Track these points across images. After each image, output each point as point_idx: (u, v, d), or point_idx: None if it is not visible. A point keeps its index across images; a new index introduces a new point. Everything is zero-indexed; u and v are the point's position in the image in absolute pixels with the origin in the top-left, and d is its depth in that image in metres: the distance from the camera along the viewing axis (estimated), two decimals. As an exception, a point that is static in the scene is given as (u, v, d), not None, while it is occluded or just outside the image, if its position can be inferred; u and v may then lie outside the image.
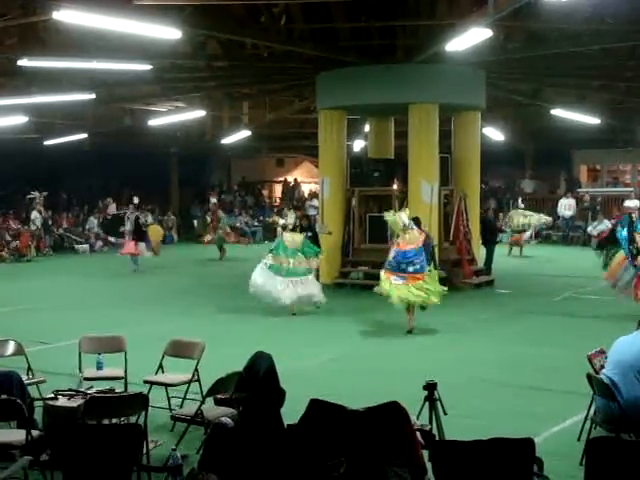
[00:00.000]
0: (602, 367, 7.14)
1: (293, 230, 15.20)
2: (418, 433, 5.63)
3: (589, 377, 7.01)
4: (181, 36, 12.65)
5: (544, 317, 14.02)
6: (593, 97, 24.48)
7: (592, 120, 24.39)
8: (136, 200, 22.30)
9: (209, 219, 25.42)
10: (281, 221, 16.03)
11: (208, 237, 24.88)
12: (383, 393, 6.57)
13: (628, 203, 21.77)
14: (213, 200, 26.71)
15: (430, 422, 6.21)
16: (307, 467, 5.10)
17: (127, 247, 21.25)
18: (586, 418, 7.15)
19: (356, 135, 26.16)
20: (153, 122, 23.86)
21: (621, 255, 13.98)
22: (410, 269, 12.70)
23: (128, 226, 21.28)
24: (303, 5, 15.07)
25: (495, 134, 27.13)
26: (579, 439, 7.02)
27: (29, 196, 27.34)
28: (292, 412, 5.93)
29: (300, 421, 5.60)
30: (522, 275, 19.91)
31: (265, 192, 40.16)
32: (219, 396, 7.13)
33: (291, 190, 38.06)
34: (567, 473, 6.12)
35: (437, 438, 6.01)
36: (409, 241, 12.96)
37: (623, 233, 13.90)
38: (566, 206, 30.38)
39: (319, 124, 18.82)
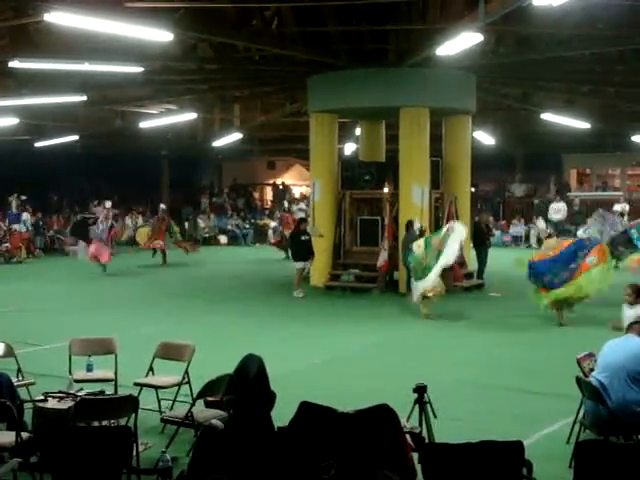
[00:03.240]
0: (591, 370, 7.18)
1: None
2: (408, 436, 5.65)
3: (578, 380, 7.05)
4: (173, 38, 12.64)
5: (534, 320, 14.05)
6: (583, 101, 24.55)
7: (581, 124, 24.47)
8: (108, 204, 22.05)
9: (157, 225, 23.94)
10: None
11: (157, 242, 23.33)
12: (373, 396, 6.59)
13: (617, 207, 21.97)
14: (162, 206, 26.06)
15: (420, 425, 6.22)
16: (297, 470, 5.11)
17: (97, 252, 20.71)
18: (575, 421, 7.18)
19: (347, 138, 26.19)
20: (144, 124, 23.83)
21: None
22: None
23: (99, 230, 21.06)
24: (295, 8, 15.09)
25: (485, 138, 27.20)
26: (568, 442, 7.05)
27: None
28: (282, 414, 5.94)
29: (290, 424, 5.61)
30: (513, 278, 19.90)
31: (256, 194, 40.18)
32: (209, 398, 7.12)
33: (282, 193, 38.08)
34: (556, 476, 6.15)
35: (427, 441, 6.03)
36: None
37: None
38: (555, 210, 30.45)
39: (310, 127, 18.84)
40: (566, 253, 13.51)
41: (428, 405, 6.34)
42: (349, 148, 28.18)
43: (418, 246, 14.47)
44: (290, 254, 17.63)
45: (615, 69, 19.13)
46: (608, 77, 20.44)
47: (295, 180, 40.01)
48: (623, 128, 28.40)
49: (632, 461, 4.93)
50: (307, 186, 28.54)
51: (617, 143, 32.45)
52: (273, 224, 29.30)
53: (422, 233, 15.52)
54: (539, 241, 29.03)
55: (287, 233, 24.11)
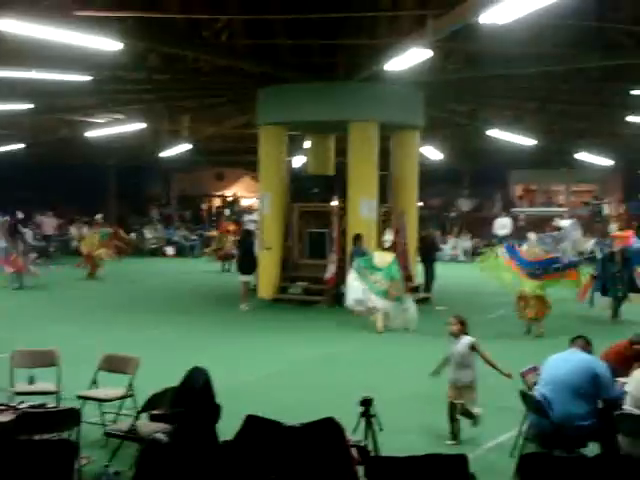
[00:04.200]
0: (535, 384, 7.26)
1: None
2: (353, 449, 5.66)
3: (522, 394, 7.14)
4: (122, 48, 12.54)
5: (479, 334, 14.12)
6: (529, 118, 24.97)
7: (528, 141, 24.86)
8: (20, 215, 21.58)
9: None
10: None
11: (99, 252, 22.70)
12: (320, 409, 6.58)
13: (562, 223, 22.35)
14: (98, 216, 25.47)
15: (366, 438, 6.23)
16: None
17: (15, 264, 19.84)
18: (519, 434, 7.26)
19: (296, 151, 26.22)
20: (91, 133, 23.58)
21: None
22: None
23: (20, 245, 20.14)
24: (245, 21, 15.10)
25: (433, 153, 27.46)
26: (512, 455, 7.12)
27: None
28: (228, 428, 5.90)
29: (235, 437, 5.57)
30: (459, 292, 20.14)
31: (204, 206, 39.97)
32: (154, 412, 7.04)
33: (230, 205, 37.94)
34: (499, 488, 6.21)
35: (372, 454, 6.04)
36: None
37: None
38: (501, 225, 30.84)
39: (259, 139, 18.83)
40: (544, 262, 14.26)
41: (374, 418, 6.36)
42: (298, 161, 28.22)
43: (383, 260, 14.80)
44: (237, 267, 17.47)
45: (560, 87, 19.49)
46: (554, 95, 20.83)
47: (244, 192, 39.92)
48: (568, 145, 28.94)
49: (574, 474, 5.00)
50: (256, 198, 28.46)
51: (562, 160, 33.03)
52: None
53: (390, 247, 15.57)
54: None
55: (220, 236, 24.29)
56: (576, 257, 14.90)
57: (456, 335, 8.14)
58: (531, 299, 14.25)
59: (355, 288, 14.60)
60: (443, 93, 19.70)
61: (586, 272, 15.11)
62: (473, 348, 8.00)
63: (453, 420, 7.80)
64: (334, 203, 18.28)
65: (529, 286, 14.20)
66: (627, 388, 6.45)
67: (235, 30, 15.81)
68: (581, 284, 14.83)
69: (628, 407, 6.31)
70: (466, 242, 31.72)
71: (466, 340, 8.05)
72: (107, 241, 23.09)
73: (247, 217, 30.65)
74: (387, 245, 15.91)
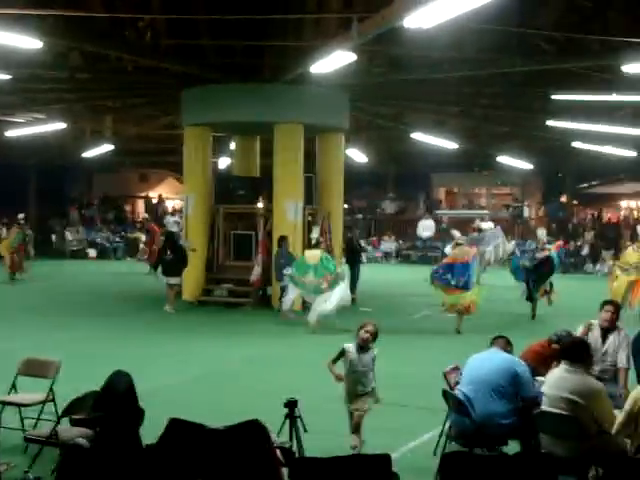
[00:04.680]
0: (457, 383, 7.37)
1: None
2: (278, 451, 5.65)
3: (444, 393, 7.23)
4: (42, 46, 12.29)
5: (403, 335, 14.33)
6: (452, 122, 25.34)
7: (450, 144, 25.23)
8: None
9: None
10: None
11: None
12: (244, 411, 6.56)
13: (483, 225, 22.81)
14: (20, 216, 24.80)
15: (290, 439, 6.23)
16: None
17: None
18: (441, 433, 7.36)
19: (221, 152, 26.09)
20: (10, 133, 23.03)
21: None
22: (453, 282, 14.37)
23: None
24: (169, 21, 14.96)
25: (358, 156, 27.66)
26: (435, 454, 7.21)
27: None
28: (151, 432, 5.83)
29: (159, 441, 5.51)
30: (383, 294, 20.32)
31: (128, 207, 39.44)
32: (75, 416, 6.92)
33: (154, 206, 37.53)
34: (422, 487, 6.28)
35: (297, 455, 6.04)
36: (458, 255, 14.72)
37: None
38: (424, 227, 31.25)
39: (184, 140, 18.68)
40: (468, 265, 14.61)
41: (299, 420, 6.36)
42: (223, 162, 28.09)
43: (312, 257, 14.95)
44: (160, 269, 17.24)
45: (482, 92, 19.83)
46: (476, 99, 21.19)
47: (168, 193, 39.52)
48: (489, 149, 29.46)
49: (495, 472, 5.09)
50: (180, 200, 28.22)
51: (484, 163, 33.66)
52: (144, 238, 28.81)
53: (318, 243, 15.55)
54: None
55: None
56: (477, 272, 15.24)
57: (367, 343, 7.49)
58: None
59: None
60: (368, 96, 19.85)
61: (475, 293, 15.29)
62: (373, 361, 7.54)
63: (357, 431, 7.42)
64: (260, 205, 18.27)
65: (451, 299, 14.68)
66: (542, 389, 6.58)
67: (159, 30, 15.65)
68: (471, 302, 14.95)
69: (544, 407, 6.44)
70: (390, 244, 32.01)
71: (373, 352, 7.54)
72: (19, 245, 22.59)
73: (170, 218, 30.38)
74: (314, 242, 15.94)
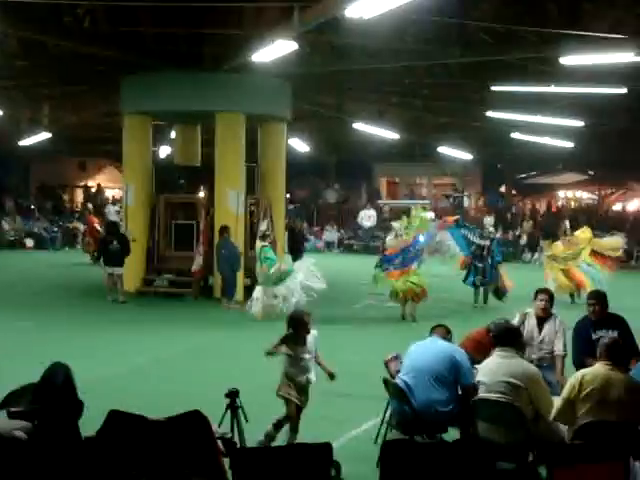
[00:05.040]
0: (398, 372, 7.42)
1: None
2: (219, 441, 5.63)
3: (385, 381, 7.29)
4: (-24, 31, 12.02)
5: (345, 324, 14.40)
6: (393, 112, 25.48)
7: (392, 135, 25.39)
8: None
9: None
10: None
11: None
12: (186, 402, 6.51)
13: (424, 214, 22.92)
14: None
15: (232, 430, 6.21)
16: (106, 480, 4.98)
17: None
18: (382, 421, 7.41)
19: (162, 141, 25.84)
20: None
21: None
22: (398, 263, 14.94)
23: None
24: (108, 7, 14.72)
25: (300, 145, 27.65)
26: (376, 442, 7.26)
27: None
28: (91, 424, 5.75)
29: (98, 433, 5.45)
30: (327, 283, 20.33)
31: (66, 197, 38.80)
32: (12, 409, 6.79)
33: (93, 195, 37.01)
34: (363, 475, 6.32)
35: (238, 446, 6.03)
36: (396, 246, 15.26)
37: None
38: (366, 217, 31.41)
39: (124, 129, 18.45)
40: (406, 250, 15.01)
41: (240, 410, 6.34)
42: (164, 151, 27.83)
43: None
44: (103, 259, 17.00)
45: (423, 82, 19.97)
46: (416, 90, 21.33)
47: (108, 183, 39.02)
48: (430, 139, 29.72)
49: (435, 459, 5.14)
50: (120, 189, 27.88)
51: (424, 153, 33.93)
52: (83, 227, 28.43)
53: (265, 236, 15.47)
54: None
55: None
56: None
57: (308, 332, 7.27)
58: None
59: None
60: (310, 85, 19.84)
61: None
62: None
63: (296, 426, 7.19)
64: (201, 194, 18.14)
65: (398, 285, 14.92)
66: (479, 377, 6.67)
67: (98, 16, 15.40)
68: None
69: (482, 395, 6.54)
70: (333, 234, 32.10)
71: (314, 334, 7.33)
72: None
73: (111, 208, 30.00)
74: (260, 235, 15.88)
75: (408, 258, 15.04)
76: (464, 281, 16.98)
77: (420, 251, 15.32)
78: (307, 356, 7.22)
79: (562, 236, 19.38)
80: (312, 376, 7.27)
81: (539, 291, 8.57)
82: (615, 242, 19.07)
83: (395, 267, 14.96)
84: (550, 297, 8.47)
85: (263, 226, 16.22)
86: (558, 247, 18.02)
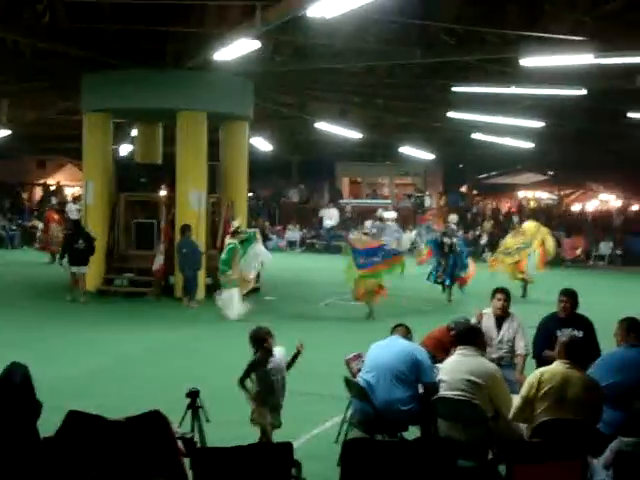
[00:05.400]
0: (359, 370, 7.44)
1: None
2: (179, 441, 5.60)
3: (346, 380, 7.31)
4: None
5: (306, 323, 14.42)
6: (355, 112, 25.54)
7: (354, 134, 25.45)
8: None
9: None
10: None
11: None
12: (146, 402, 6.47)
13: (386, 215, 23.17)
14: None
15: (192, 430, 6.19)
16: (64, 481, 4.93)
17: None
18: (343, 420, 7.42)
19: (123, 139, 25.64)
20: None
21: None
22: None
23: None
24: (68, 3, 14.55)
25: (263, 144, 27.61)
26: (337, 441, 7.27)
27: None
28: (49, 425, 5.70)
29: (57, 434, 5.39)
30: (288, 283, 20.36)
31: (25, 195, 38.31)
32: (-32, 410, 6.70)
33: (53, 194, 36.58)
34: (324, 475, 6.32)
35: (199, 446, 6.00)
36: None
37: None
38: (328, 216, 31.46)
39: (84, 127, 18.26)
40: (372, 250, 15.00)
41: (201, 410, 6.32)
42: (125, 149, 27.61)
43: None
44: (67, 259, 16.80)
45: (385, 82, 20.03)
46: (378, 90, 21.40)
47: (67, 181, 38.60)
48: (392, 139, 29.84)
49: (396, 457, 5.17)
50: (80, 187, 27.60)
51: (387, 153, 34.08)
52: (41, 225, 28.05)
53: (237, 232, 15.41)
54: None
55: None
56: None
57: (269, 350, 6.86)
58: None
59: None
60: (272, 84, 19.82)
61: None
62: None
63: None
64: (162, 193, 18.03)
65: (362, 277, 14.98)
66: (440, 376, 6.71)
67: (58, 12, 15.20)
68: (404, 267, 15.40)
69: (443, 393, 6.58)
70: (295, 233, 32.09)
71: (280, 350, 6.98)
72: None
73: (72, 206, 29.69)
74: (232, 230, 15.83)
75: (379, 257, 15.06)
76: (427, 279, 17.27)
77: (389, 252, 15.46)
78: (277, 376, 6.85)
79: (511, 230, 19.83)
80: (279, 397, 6.91)
81: (497, 290, 8.62)
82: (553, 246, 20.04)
83: (368, 265, 14.99)
84: (508, 296, 8.53)
85: (237, 222, 16.21)
86: (508, 241, 18.51)
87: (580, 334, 7.82)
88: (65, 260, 16.78)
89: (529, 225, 19.02)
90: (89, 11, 14.99)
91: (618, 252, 28.91)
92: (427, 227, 17.70)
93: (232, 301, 14.50)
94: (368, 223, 16.05)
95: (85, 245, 16.37)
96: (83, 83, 17.92)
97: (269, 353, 6.82)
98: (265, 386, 6.83)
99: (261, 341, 6.84)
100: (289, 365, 7.01)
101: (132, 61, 16.73)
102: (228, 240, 15.11)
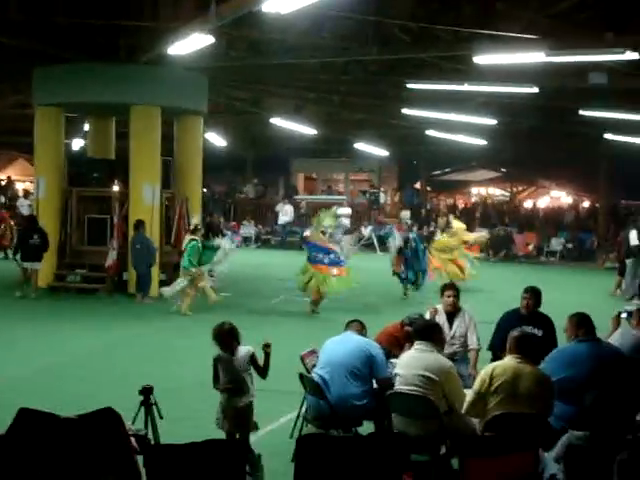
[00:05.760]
0: (314, 366, 7.46)
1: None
2: (132, 439, 5.56)
3: (301, 376, 7.32)
4: None
5: (261, 318, 14.40)
6: (310, 108, 25.55)
7: (309, 130, 25.46)
8: None
9: None
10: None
11: None
12: (99, 399, 6.42)
13: (340, 210, 23.22)
14: None
15: (146, 427, 6.14)
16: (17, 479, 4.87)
17: None
18: (298, 416, 7.44)
19: (75, 134, 25.34)
20: None
21: None
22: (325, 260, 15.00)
23: None
24: (20, -5, 14.34)
25: (217, 139, 27.49)
26: (291, 436, 7.28)
27: None
28: (1, 422, 5.62)
29: (8, 431, 5.32)
30: (243, 278, 20.28)
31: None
32: None
33: (3, 189, 36.00)
34: (279, 470, 6.33)
35: (152, 443, 5.96)
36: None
37: None
38: (283, 212, 31.43)
39: (35, 121, 18.00)
40: (323, 249, 15.07)
41: (154, 407, 6.28)
42: (77, 144, 27.30)
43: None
44: (20, 255, 16.54)
45: (340, 79, 20.07)
46: (334, 86, 21.44)
47: (18, 176, 38.04)
48: (347, 135, 29.91)
49: (349, 452, 5.19)
50: (31, 182, 27.21)
51: (342, 149, 34.17)
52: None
53: (196, 230, 15.34)
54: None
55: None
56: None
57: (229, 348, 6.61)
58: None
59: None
60: (227, 79, 19.73)
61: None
62: (253, 360, 6.65)
63: None
64: (115, 188, 17.86)
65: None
66: (396, 370, 6.74)
67: (8, 4, 14.95)
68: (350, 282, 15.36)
69: (398, 387, 6.62)
70: (250, 229, 32.00)
71: (245, 350, 6.64)
72: None
73: (24, 202, 29.24)
74: (192, 227, 15.81)
75: (335, 259, 15.08)
76: (403, 279, 17.48)
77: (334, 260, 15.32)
78: (243, 375, 6.58)
79: (443, 228, 20.09)
80: (250, 397, 6.65)
81: (446, 287, 8.70)
82: (481, 236, 21.41)
83: (322, 262, 15.03)
84: (457, 292, 8.60)
85: (195, 219, 16.16)
86: (443, 240, 18.95)
87: (539, 333, 7.93)
88: (18, 256, 16.53)
89: (457, 225, 19.51)
90: (41, 3, 14.77)
91: (570, 247, 29.35)
92: (389, 233, 18.02)
93: (175, 284, 14.81)
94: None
95: (39, 241, 16.17)
96: (35, 76, 17.66)
97: (231, 351, 6.56)
98: (229, 389, 6.57)
99: (221, 337, 6.63)
100: (265, 368, 6.68)
101: (85, 55, 16.55)
102: (189, 237, 15.05)
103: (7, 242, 22.84)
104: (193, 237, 14.90)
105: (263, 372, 6.69)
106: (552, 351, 7.24)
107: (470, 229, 25.45)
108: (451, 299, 8.49)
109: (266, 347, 6.64)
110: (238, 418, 6.53)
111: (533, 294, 8.30)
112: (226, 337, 6.60)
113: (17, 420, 5.32)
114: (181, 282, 14.75)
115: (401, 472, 5.26)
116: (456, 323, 8.46)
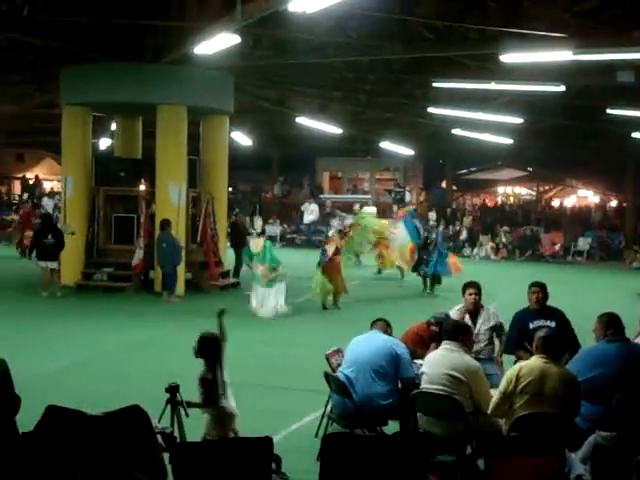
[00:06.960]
0: (339, 365, 7.46)
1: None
2: (159, 436, 5.59)
3: (326, 375, 7.32)
4: None
5: (285, 318, 14.40)
6: (336, 107, 25.53)
7: (334, 129, 25.43)
8: None
9: None
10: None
11: None
12: (126, 397, 6.46)
13: (366, 209, 23.25)
14: None
15: (172, 424, 6.17)
16: (44, 476, 4.91)
17: None
18: (323, 415, 7.44)
19: (102, 133, 25.50)
20: None
21: None
22: None
23: None
24: (47, -4, 14.47)
25: (243, 139, 27.53)
26: (317, 435, 7.29)
27: None
28: (28, 420, 5.67)
29: (36, 428, 5.37)
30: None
31: (3, 188, 38.07)
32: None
33: (32, 187, 36.36)
34: (304, 469, 6.33)
35: (178, 440, 5.99)
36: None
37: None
38: (309, 211, 31.42)
39: (63, 120, 18.14)
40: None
41: (180, 404, 6.30)
42: (104, 143, 27.46)
43: (256, 245, 15.20)
44: (36, 253, 16.68)
45: (366, 77, 20.04)
46: (359, 85, 21.40)
47: (46, 174, 38.39)
48: (372, 134, 29.84)
49: (375, 451, 5.18)
50: (59, 181, 27.43)
51: (367, 148, 34.09)
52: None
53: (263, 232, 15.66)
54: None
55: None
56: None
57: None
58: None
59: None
60: (253, 79, 19.76)
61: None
62: None
63: None
64: (142, 187, 17.96)
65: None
66: (423, 369, 6.73)
67: (37, 5, 15.08)
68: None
69: (424, 386, 6.60)
70: (275, 228, 32.03)
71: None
72: None
73: (48, 201, 29.50)
74: (259, 231, 16.15)
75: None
76: (413, 271, 17.67)
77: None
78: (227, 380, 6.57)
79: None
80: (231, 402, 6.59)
81: (467, 285, 8.63)
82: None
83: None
84: (479, 290, 8.55)
85: (259, 222, 16.39)
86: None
87: (552, 324, 7.89)
88: (34, 255, 16.68)
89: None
90: (68, 4, 14.90)
91: (596, 247, 29.13)
92: (411, 219, 18.17)
93: (269, 298, 14.77)
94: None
95: (53, 240, 16.28)
96: (62, 76, 17.80)
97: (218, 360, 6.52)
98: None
99: (209, 345, 6.64)
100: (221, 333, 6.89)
101: (111, 55, 16.64)
102: (260, 240, 15.69)
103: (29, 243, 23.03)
104: (264, 238, 15.23)
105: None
106: (573, 343, 7.20)
107: (495, 229, 25.34)
108: (472, 297, 8.45)
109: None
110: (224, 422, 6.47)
111: (540, 286, 8.29)
112: (214, 347, 6.70)
113: (45, 417, 5.36)
114: (268, 294, 14.76)
115: (426, 472, 5.25)
116: (480, 321, 8.41)
